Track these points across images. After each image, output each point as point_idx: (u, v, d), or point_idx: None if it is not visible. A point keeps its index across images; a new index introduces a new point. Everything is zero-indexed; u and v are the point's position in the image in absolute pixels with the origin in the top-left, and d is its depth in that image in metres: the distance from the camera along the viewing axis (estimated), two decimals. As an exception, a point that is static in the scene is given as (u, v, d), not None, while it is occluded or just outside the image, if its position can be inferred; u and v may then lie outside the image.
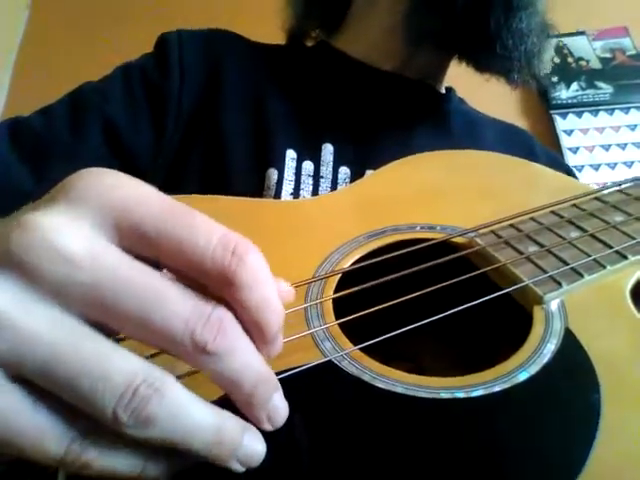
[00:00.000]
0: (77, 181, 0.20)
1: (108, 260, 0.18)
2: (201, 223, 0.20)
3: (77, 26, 1.43)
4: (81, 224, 0.19)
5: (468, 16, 0.51)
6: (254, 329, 0.21)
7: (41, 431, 0.18)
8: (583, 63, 1.32)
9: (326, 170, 0.51)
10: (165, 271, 0.22)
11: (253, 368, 0.20)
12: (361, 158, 0.52)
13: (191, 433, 0.19)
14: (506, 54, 0.52)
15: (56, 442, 0.18)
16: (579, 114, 1.26)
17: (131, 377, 0.18)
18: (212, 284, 0.20)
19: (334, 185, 0.50)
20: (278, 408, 0.21)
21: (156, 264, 0.20)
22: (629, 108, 1.24)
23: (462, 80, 0.64)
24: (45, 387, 0.18)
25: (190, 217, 0.20)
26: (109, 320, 0.19)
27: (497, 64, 0.55)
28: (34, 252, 0.18)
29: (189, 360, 0.19)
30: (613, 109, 1.25)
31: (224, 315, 0.20)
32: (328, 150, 0.52)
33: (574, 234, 0.36)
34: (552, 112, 1.26)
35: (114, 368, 0.18)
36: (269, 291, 0.21)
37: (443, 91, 0.65)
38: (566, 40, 1.35)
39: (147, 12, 1.37)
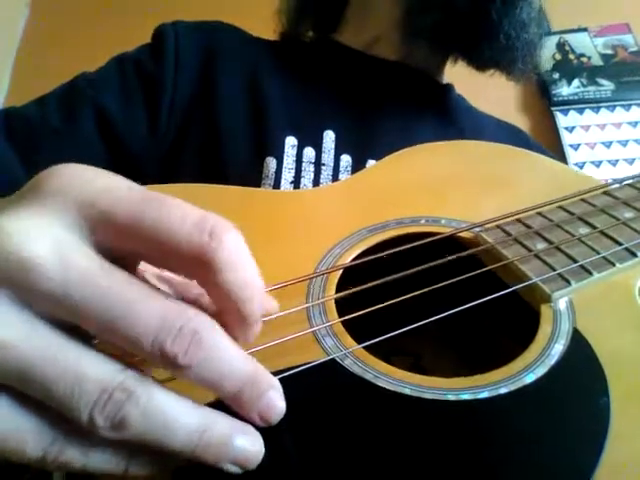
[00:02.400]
0: (47, 178, 0.19)
1: (77, 265, 0.18)
2: (175, 208, 0.19)
3: (77, 25, 1.43)
4: (50, 225, 0.18)
5: (470, 9, 0.51)
6: (235, 314, 0.20)
7: (19, 432, 0.18)
8: (584, 60, 1.32)
9: (328, 157, 0.50)
10: (146, 272, 0.22)
11: (235, 372, 0.19)
12: (363, 146, 0.51)
13: (170, 434, 0.18)
14: (509, 44, 0.53)
15: (34, 443, 0.18)
16: (580, 111, 1.25)
17: (106, 382, 0.18)
18: (190, 270, 0.20)
19: (335, 173, 0.50)
20: (271, 406, 0.20)
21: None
22: (630, 105, 1.24)
23: (463, 78, 0.63)
24: (23, 391, 0.18)
25: (164, 203, 0.19)
26: (81, 325, 0.18)
27: (500, 55, 0.55)
28: (3, 262, 0.17)
29: (165, 369, 0.19)
30: (614, 106, 1.25)
31: (199, 323, 0.19)
32: (329, 137, 0.52)
33: (583, 230, 0.35)
34: (553, 109, 1.26)
35: (89, 373, 0.18)
36: (249, 272, 0.20)
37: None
38: (567, 36, 1.35)
39: (147, 11, 1.35)
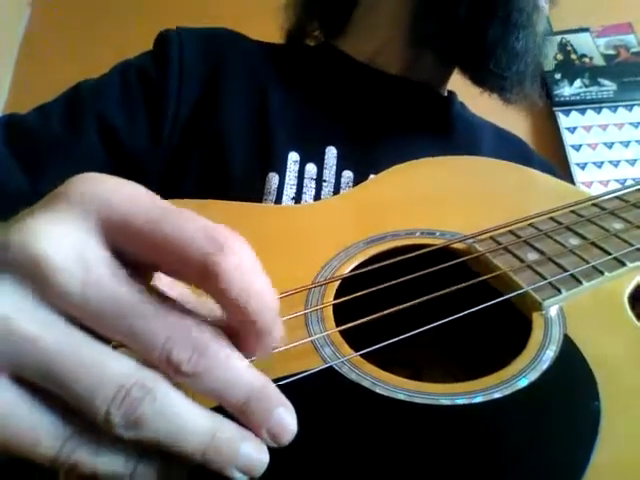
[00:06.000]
0: (73, 186, 0.21)
1: (96, 271, 0.19)
2: (190, 220, 0.20)
3: (78, 24, 1.42)
4: (74, 230, 0.19)
5: (467, 28, 0.51)
6: (248, 326, 0.20)
7: (35, 430, 0.18)
8: (586, 60, 1.31)
9: (329, 174, 0.50)
10: (159, 279, 0.22)
11: (238, 383, 0.20)
12: (365, 162, 0.51)
13: (182, 436, 0.19)
14: (498, 72, 0.53)
15: (49, 441, 0.18)
16: (582, 111, 1.25)
17: (124, 379, 0.18)
18: (201, 281, 0.20)
19: (337, 189, 0.50)
20: (281, 424, 0.20)
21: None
22: (632, 105, 1.24)
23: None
24: (43, 386, 0.18)
25: (180, 216, 0.20)
26: (96, 328, 0.19)
27: (489, 80, 0.56)
28: (30, 261, 0.18)
29: (173, 379, 0.19)
30: (616, 106, 1.24)
31: (206, 334, 0.20)
32: (332, 153, 0.52)
33: (573, 241, 0.36)
34: (555, 109, 1.26)
35: (109, 370, 0.18)
36: (258, 283, 0.20)
37: (445, 94, 0.65)
38: (569, 37, 1.34)
39: (149, 10, 1.37)
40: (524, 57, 0.53)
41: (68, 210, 0.20)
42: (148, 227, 0.20)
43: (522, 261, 0.34)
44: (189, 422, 0.19)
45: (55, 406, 0.19)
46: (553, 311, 0.31)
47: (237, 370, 0.20)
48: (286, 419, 0.21)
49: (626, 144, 1.20)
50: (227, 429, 0.20)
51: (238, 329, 0.21)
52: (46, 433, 0.18)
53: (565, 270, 0.33)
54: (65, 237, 0.19)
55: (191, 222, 0.20)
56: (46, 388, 0.18)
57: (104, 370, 0.18)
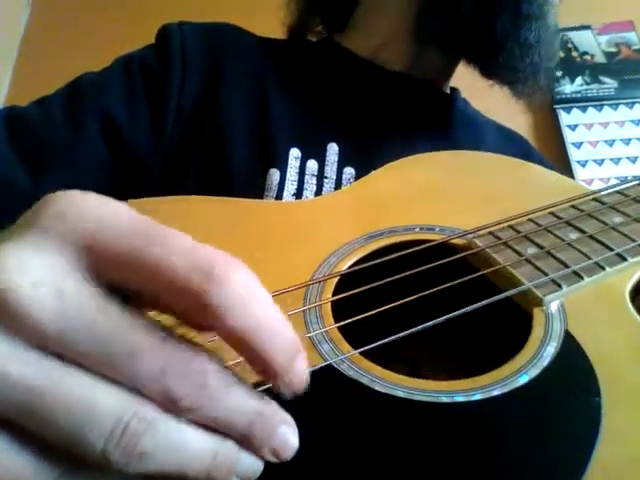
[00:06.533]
0: (45, 208, 0.19)
1: (75, 300, 0.17)
2: (177, 245, 0.18)
3: (78, 24, 1.43)
4: (49, 257, 0.18)
5: (474, 22, 0.50)
6: (254, 361, 0.18)
7: (23, 474, 0.16)
8: (588, 57, 1.31)
9: (330, 170, 0.50)
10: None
11: (243, 413, 0.18)
12: (366, 159, 0.51)
13: (187, 462, 0.18)
14: (510, 64, 0.52)
15: None
16: (583, 109, 1.25)
17: (119, 413, 0.16)
18: (194, 313, 0.18)
19: (338, 186, 0.50)
20: (285, 443, 0.19)
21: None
22: (633, 103, 1.24)
23: (468, 74, 0.63)
24: (28, 428, 0.16)
25: (166, 238, 0.18)
26: (81, 362, 0.17)
27: (501, 73, 0.55)
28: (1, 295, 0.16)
29: (170, 413, 0.18)
30: (617, 104, 1.24)
31: (204, 364, 0.18)
32: (333, 150, 0.52)
33: (573, 235, 0.35)
34: (556, 107, 1.26)
35: (99, 404, 0.16)
36: (261, 309, 0.18)
37: (448, 92, 0.65)
38: (571, 34, 1.34)
39: (149, 10, 1.36)
40: (537, 48, 0.52)
41: (40, 234, 0.18)
42: (130, 255, 0.17)
43: (522, 256, 0.34)
44: (192, 448, 0.18)
45: (42, 448, 0.17)
46: (554, 307, 0.31)
47: (239, 399, 0.18)
48: (288, 436, 0.20)
49: (627, 142, 1.20)
50: (226, 444, 0.19)
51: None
52: (34, 476, 0.16)
53: (566, 265, 0.33)
54: (35, 265, 0.17)
55: (178, 248, 0.17)
56: (30, 429, 0.16)
57: (94, 403, 0.16)
